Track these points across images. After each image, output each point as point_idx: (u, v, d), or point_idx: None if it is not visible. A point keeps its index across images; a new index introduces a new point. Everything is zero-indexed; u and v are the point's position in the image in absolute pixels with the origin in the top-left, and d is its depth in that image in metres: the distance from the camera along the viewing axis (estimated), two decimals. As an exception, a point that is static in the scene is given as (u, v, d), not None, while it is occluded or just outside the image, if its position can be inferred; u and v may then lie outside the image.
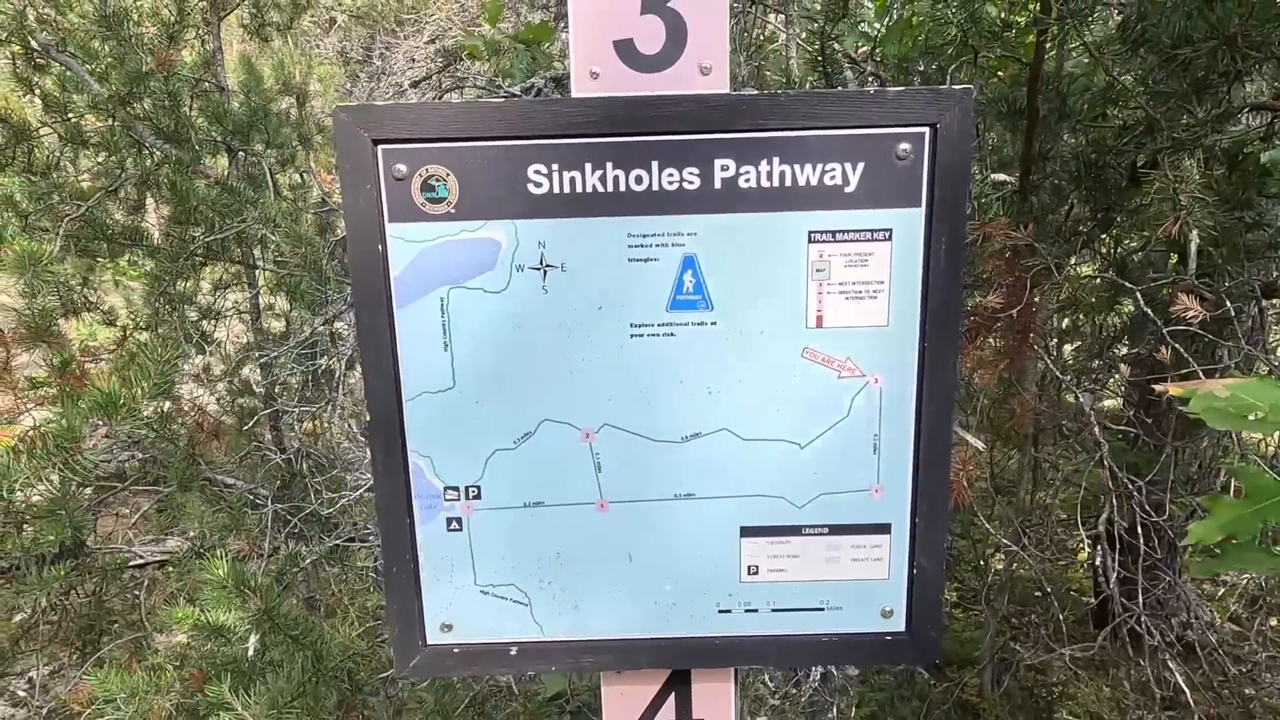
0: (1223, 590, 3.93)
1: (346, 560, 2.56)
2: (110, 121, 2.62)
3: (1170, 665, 2.70)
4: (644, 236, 1.04)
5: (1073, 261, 2.92)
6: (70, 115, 2.94)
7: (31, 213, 2.78)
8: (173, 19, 2.79)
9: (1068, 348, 3.48)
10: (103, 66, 2.85)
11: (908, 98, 1.01)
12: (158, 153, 2.82)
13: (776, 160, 1.02)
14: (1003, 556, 3.26)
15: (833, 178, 1.03)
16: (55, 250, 2.13)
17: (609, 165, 1.02)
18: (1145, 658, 2.82)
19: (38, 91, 3.00)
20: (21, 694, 3.38)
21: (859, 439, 1.10)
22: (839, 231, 1.04)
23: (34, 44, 2.91)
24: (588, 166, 1.02)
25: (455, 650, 1.15)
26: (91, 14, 2.68)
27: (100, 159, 3.14)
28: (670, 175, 1.03)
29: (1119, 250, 2.78)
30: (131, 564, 2.88)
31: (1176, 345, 2.00)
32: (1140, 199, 2.28)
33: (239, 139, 2.98)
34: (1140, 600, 2.61)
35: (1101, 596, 3.32)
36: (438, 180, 1.03)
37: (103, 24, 2.60)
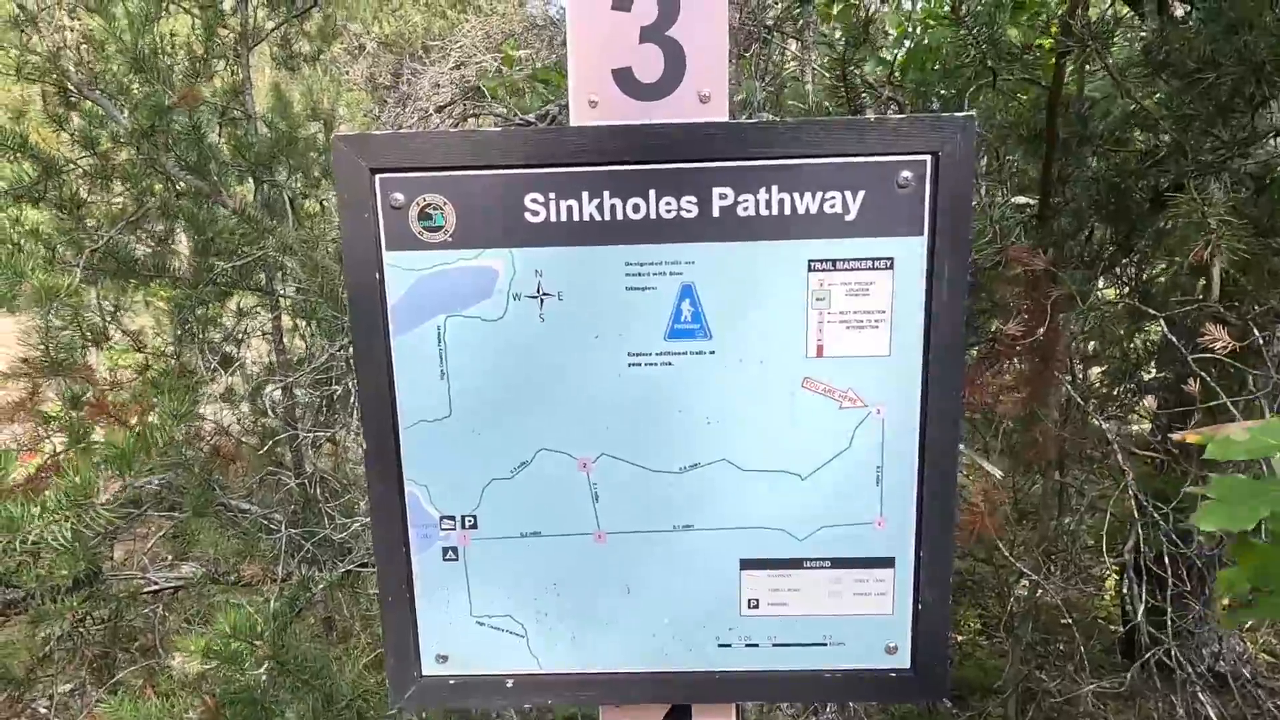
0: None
1: (359, 586, 2.56)
2: (135, 153, 2.67)
3: (1202, 697, 2.62)
4: (641, 265, 1.03)
5: (1099, 285, 2.88)
6: (100, 147, 3.00)
7: (59, 245, 2.84)
8: (200, 53, 2.85)
9: (1095, 370, 3.42)
10: (132, 102, 2.92)
11: (909, 125, 1.00)
12: (181, 183, 2.87)
13: (775, 188, 1.01)
14: (1026, 584, 3.20)
15: (833, 206, 1.01)
16: (76, 282, 2.16)
17: (606, 194, 1.02)
18: (1176, 689, 2.74)
19: (68, 128, 3.08)
20: (42, 711, 3.40)
21: (861, 470, 1.08)
22: (839, 260, 1.03)
23: (68, 84, 2.99)
24: (585, 195, 1.02)
25: (451, 682, 1.13)
26: (126, 50, 2.75)
27: (125, 189, 3.20)
28: (668, 204, 1.02)
29: (1142, 275, 2.74)
30: (146, 589, 2.90)
31: (1204, 374, 1.96)
32: (1164, 223, 2.24)
33: (263, 168, 3.03)
34: (1169, 631, 2.54)
35: (1129, 625, 3.24)
36: (435, 209, 1.03)
37: (135, 63, 2.66)
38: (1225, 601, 0.97)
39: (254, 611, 1.83)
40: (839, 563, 1.10)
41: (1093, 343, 3.14)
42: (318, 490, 2.78)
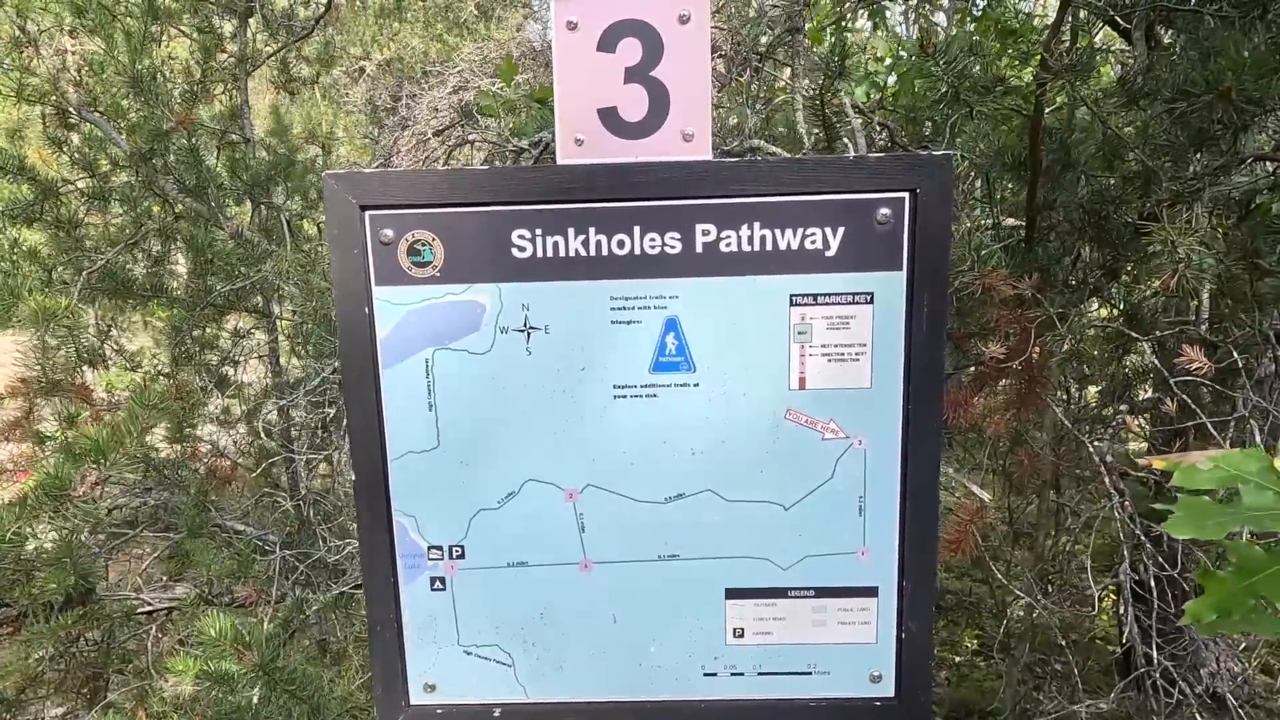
0: (1248, 638, 3.82)
1: (352, 608, 2.57)
2: (135, 176, 2.70)
3: (1199, 718, 2.62)
4: (626, 299, 1.05)
5: (1095, 307, 2.90)
6: (100, 169, 3.04)
7: (55, 266, 2.87)
8: (198, 77, 2.89)
9: (1092, 389, 3.44)
10: (129, 124, 2.96)
11: (887, 164, 1.03)
12: (180, 205, 2.90)
13: (757, 225, 1.03)
14: (1023, 604, 3.20)
15: (813, 242, 1.04)
16: (73, 302, 2.19)
17: (591, 230, 1.04)
18: (1173, 711, 2.74)
19: (67, 150, 3.12)
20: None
21: (844, 501, 1.09)
22: (820, 295, 1.05)
23: (67, 105, 3.03)
24: (570, 231, 1.04)
25: (439, 711, 1.15)
26: (123, 72, 2.78)
27: (123, 211, 3.24)
28: (652, 240, 1.04)
29: (1129, 298, 2.77)
30: (140, 610, 2.91)
31: (1184, 396, 1.98)
32: (1147, 248, 2.27)
33: (260, 190, 3.06)
34: (1164, 652, 2.54)
35: (1126, 646, 3.24)
36: (423, 245, 1.05)
37: (133, 84, 2.70)
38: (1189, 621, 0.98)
39: (239, 624, 1.83)
40: (823, 592, 1.12)
41: (1085, 365, 3.16)
42: (311, 512, 2.79)
